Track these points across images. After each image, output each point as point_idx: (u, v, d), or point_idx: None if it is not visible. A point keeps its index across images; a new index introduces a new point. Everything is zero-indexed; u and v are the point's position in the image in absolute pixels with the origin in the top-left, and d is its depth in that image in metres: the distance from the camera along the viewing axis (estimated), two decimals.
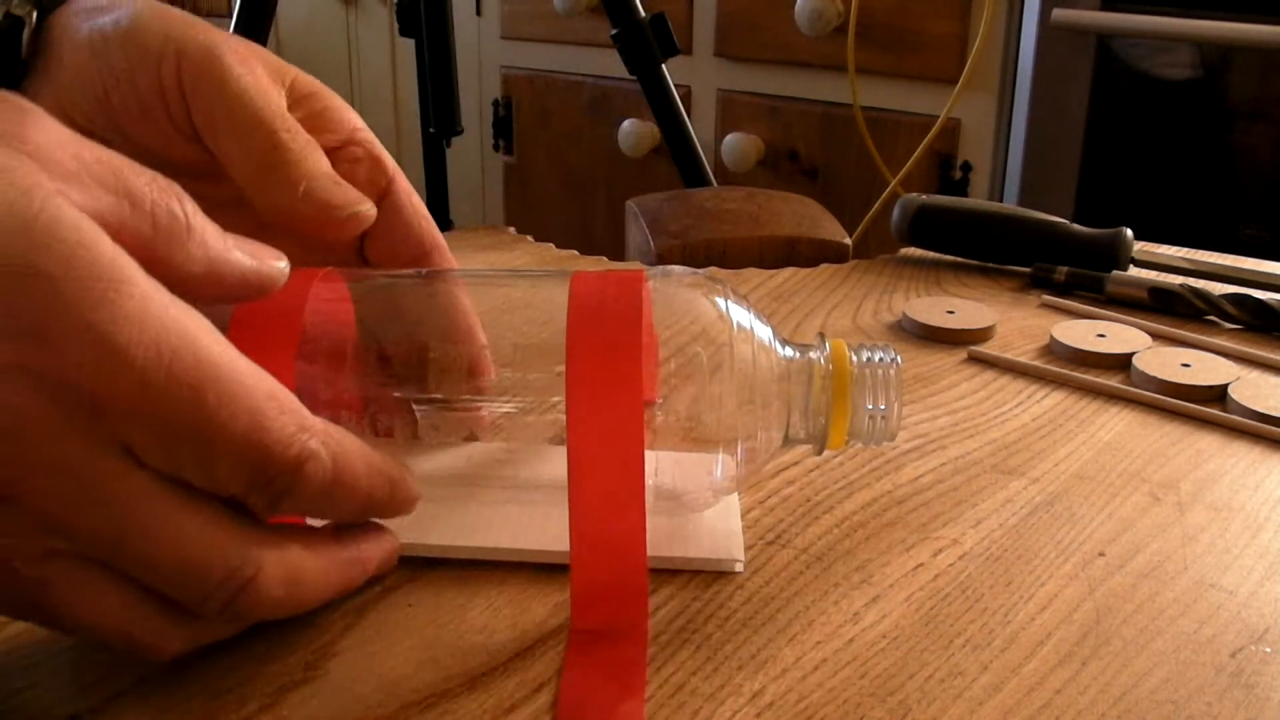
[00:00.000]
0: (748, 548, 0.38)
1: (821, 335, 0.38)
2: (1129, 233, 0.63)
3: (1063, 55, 1.50)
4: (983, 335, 0.56)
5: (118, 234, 0.27)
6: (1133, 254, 0.63)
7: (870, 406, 0.36)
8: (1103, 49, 1.50)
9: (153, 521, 0.27)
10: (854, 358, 0.37)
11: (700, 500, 0.37)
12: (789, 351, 0.37)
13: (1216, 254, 0.67)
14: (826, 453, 0.44)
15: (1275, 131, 1.46)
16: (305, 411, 0.29)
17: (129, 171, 0.28)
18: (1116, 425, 0.48)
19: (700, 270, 0.38)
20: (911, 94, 1.66)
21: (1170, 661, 0.33)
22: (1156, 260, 0.64)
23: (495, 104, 2.14)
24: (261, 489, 0.28)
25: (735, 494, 0.40)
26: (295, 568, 0.30)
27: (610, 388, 0.32)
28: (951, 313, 0.57)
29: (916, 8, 1.62)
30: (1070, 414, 0.48)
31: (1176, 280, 0.61)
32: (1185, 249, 0.68)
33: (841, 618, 0.35)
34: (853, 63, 1.64)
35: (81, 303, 0.25)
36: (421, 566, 0.37)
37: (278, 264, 0.32)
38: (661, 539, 0.37)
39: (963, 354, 0.54)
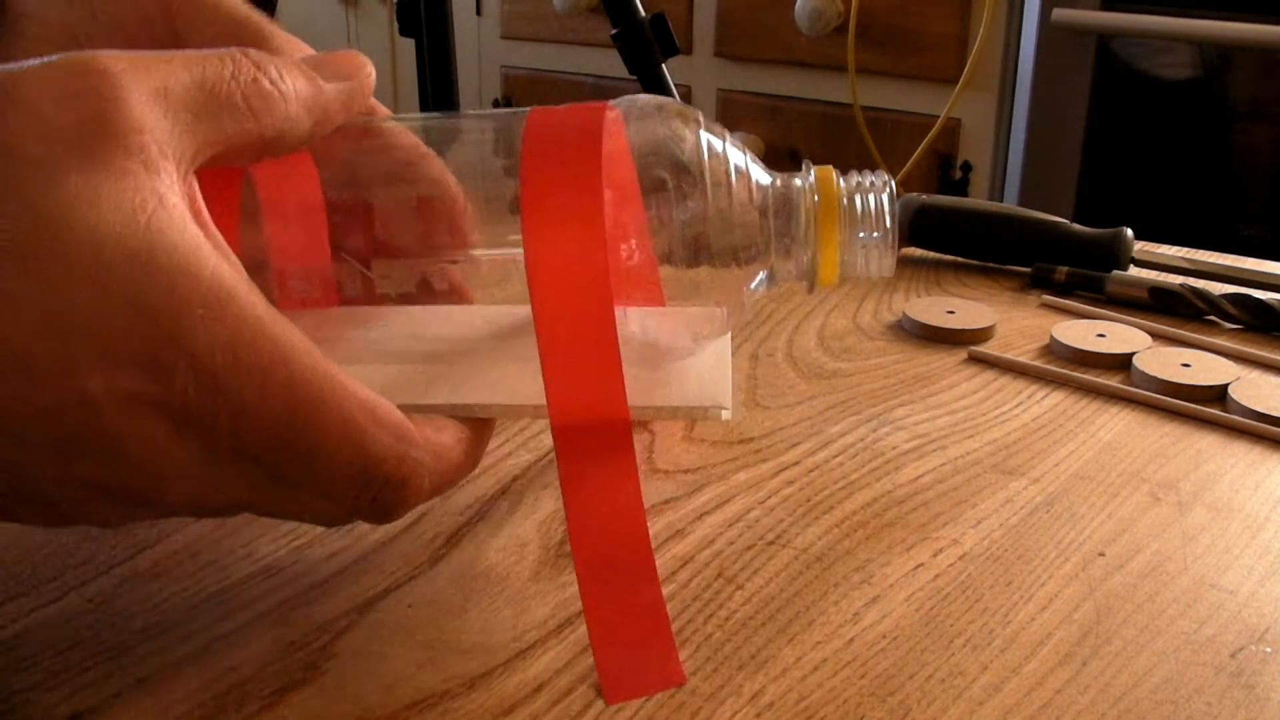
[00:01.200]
0: (747, 548, 0.38)
1: (807, 162, 0.36)
2: (1129, 233, 0.63)
3: (1063, 55, 1.50)
4: (983, 335, 0.56)
5: (230, 147, 0.28)
6: (1133, 254, 0.63)
7: (863, 235, 0.34)
8: (1103, 49, 1.50)
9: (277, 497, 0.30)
10: (842, 183, 0.34)
11: (683, 347, 0.35)
12: (772, 180, 0.35)
13: (1216, 254, 0.67)
14: (826, 452, 0.44)
15: (1275, 131, 1.46)
16: (402, 420, 0.30)
17: (211, 76, 0.28)
18: (1116, 425, 0.48)
19: (670, 99, 0.36)
20: (911, 94, 1.66)
21: (1170, 661, 0.33)
22: (1156, 260, 0.64)
23: (495, 104, 2.14)
24: (370, 502, 0.30)
25: (727, 338, 0.37)
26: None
27: (570, 209, 0.30)
28: (951, 313, 0.57)
29: (916, 8, 1.62)
30: (1070, 414, 0.48)
31: (1176, 280, 0.61)
32: (1185, 249, 0.68)
33: (841, 618, 0.35)
34: (853, 63, 1.64)
35: (180, 333, 0.26)
36: (422, 566, 0.37)
37: (364, 69, 0.33)
38: (640, 389, 0.34)
39: (963, 354, 0.54)
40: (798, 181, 0.35)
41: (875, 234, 0.34)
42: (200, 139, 0.28)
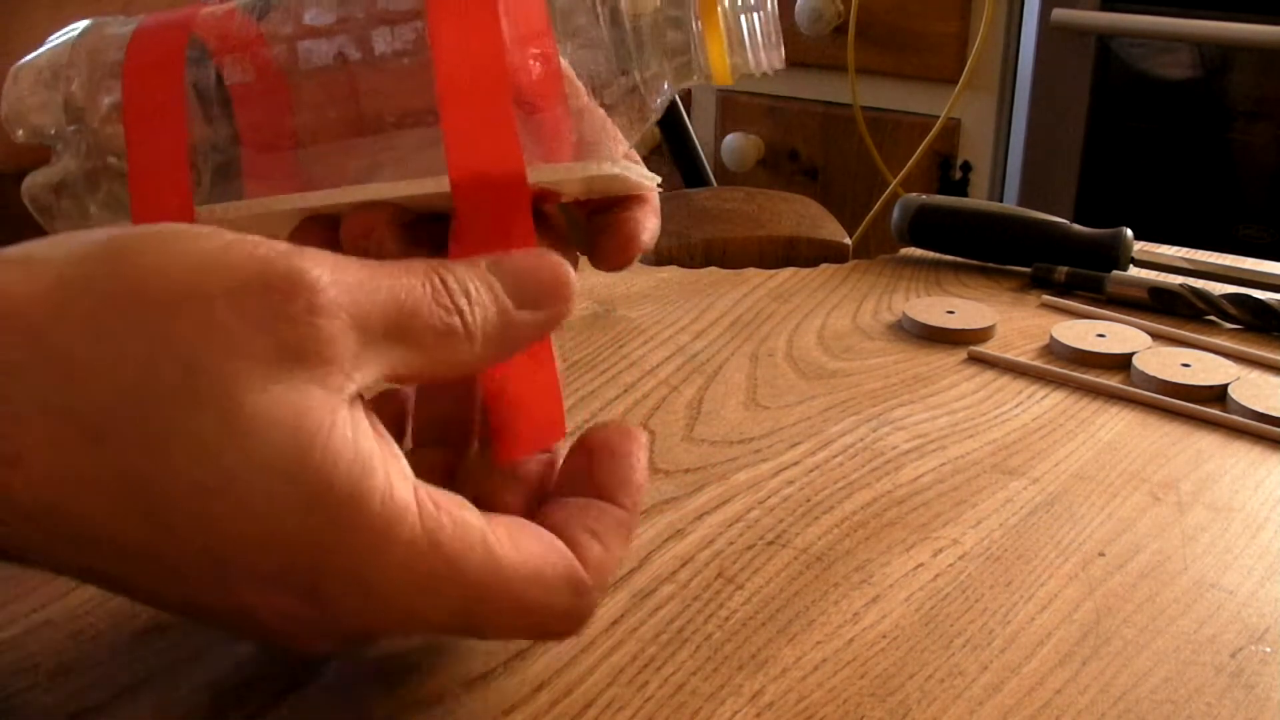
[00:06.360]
0: (747, 548, 0.38)
1: None
2: (1129, 233, 0.63)
3: (1063, 55, 1.50)
4: (983, 335, 0.56)
5: (400, 375, 0.27)
6: (1133, 254, 0.63)
7: (745, 25, 0.35)
8: (1103, 49, 1.50)
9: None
10: None
11: (606, 149, 0.35)
12: None
13: (1216, 254, 0.67)
14: (826, 452, 0.44)
15: (1275, 131, 1.46)
16: (573, 569, 0.28)
17: (406, 300, 0.27)
18: (1116, 425, 0.48)
19: None
20: (911, 94, 1.66)
21: (1170, 661, 0.33)
22: (1156, 260, 0.64)
23: None
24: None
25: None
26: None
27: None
28: (951, 313, 0.57)
29: (916, 8, 1.62)
30: (1070, 414, 0.48)
31: (1176, 280, 0.61)
32: (1185, 249, 0.68)
33: (841, 618, 0.35)
34: (853, 63, 1.64)
35: (349, 561, 0.25)
36: None
37: (565, 292, 0.29)
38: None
39: (963, 354, 0.54)
40: None
41: (757, 14, 0.35)
42: (382, 369, 0.26)
